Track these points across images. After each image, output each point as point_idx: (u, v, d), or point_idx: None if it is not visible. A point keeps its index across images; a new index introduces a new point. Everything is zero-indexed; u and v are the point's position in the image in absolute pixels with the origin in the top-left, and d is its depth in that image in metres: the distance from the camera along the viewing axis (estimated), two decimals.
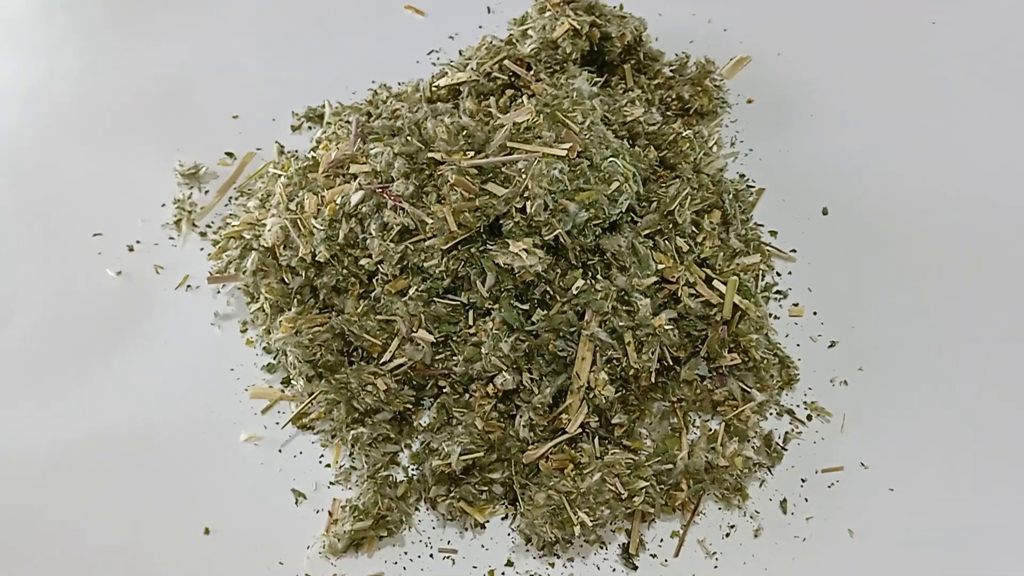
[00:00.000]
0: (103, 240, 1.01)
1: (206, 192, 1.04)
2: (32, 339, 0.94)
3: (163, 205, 1.03)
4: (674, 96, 1.10)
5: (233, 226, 0.95)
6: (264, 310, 0.92)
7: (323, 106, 1.10)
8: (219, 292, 0.97)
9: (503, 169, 0.86)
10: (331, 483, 0.86)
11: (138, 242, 1.00)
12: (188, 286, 0.98)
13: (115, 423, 0.89)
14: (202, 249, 1.00)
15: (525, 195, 0.84)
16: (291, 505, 0.85)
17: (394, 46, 1.18)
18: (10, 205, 1.03)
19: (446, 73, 1.05)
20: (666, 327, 0.85)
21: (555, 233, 0.85)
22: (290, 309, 0.91)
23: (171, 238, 1.01)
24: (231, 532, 0.83)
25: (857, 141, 1.10)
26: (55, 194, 1.04)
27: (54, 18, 1.20)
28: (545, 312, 0.86)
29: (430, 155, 0.89)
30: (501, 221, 0.86)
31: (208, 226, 1.02)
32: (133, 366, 0.92)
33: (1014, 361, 0.92)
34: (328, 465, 0.87)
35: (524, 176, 0.84)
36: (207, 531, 0.83)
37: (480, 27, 1.19)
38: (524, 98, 0.94)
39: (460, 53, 1.10)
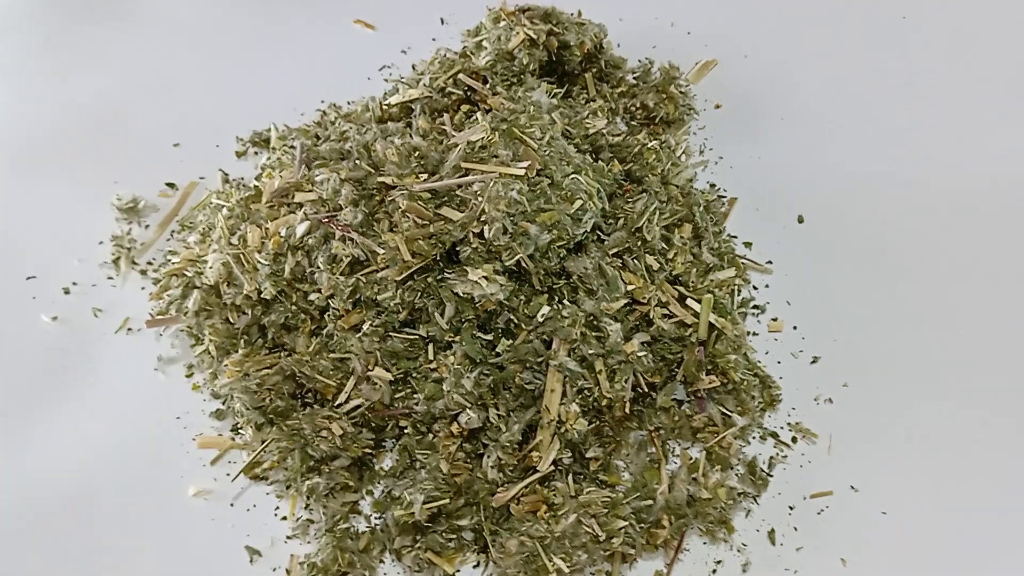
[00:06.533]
0: (37, 283, 0.94)
1: (146, 227, 0.98)
2: None
3: (101, 243, 0.96)
4: (638, 105, 1.05)
5: (173, 263, 0.89)
6: (210, 352, 0.86)
7: (269, 130, 1.04)
8: (161, 335, 0.91)
9: (458, 192, 0.81)
10: (288, 537, 0.80)
11: (75, 284, 0.94)
12: (129, 329, 0.91)
13: (53, 480, 0.82)
14: (143, 288, 0.93)
15: (482, 219, 0.79)
16: (246, 563, 0.79)
17: (344, 63, 1.12)
18: None
19: (397, 90, 1.00)
20: (639, 353, 0.80)
21: (516, 258, 0.79)
22: (237, 350, 0.84)
23: (110, 278, 0.94)
24: None
25: (831, 144, 1.05)
26: None
27: None
28: (510, 342, 0.80)
29: (380, 180, 0.83)
30: (458, 247, 0.80)
31: (149, 263, 0.95)
32: (72, 418, 0.86)
33: (1007, 368, 0.88)
34: (284, 518, 0.81)
35: (480, 199, 0.79)
36: None
37: (433, 39, 1.13)
38: (479, 114, 0.88)
39: (413, 68, 1.05)
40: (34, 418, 0.86)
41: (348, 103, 1.06)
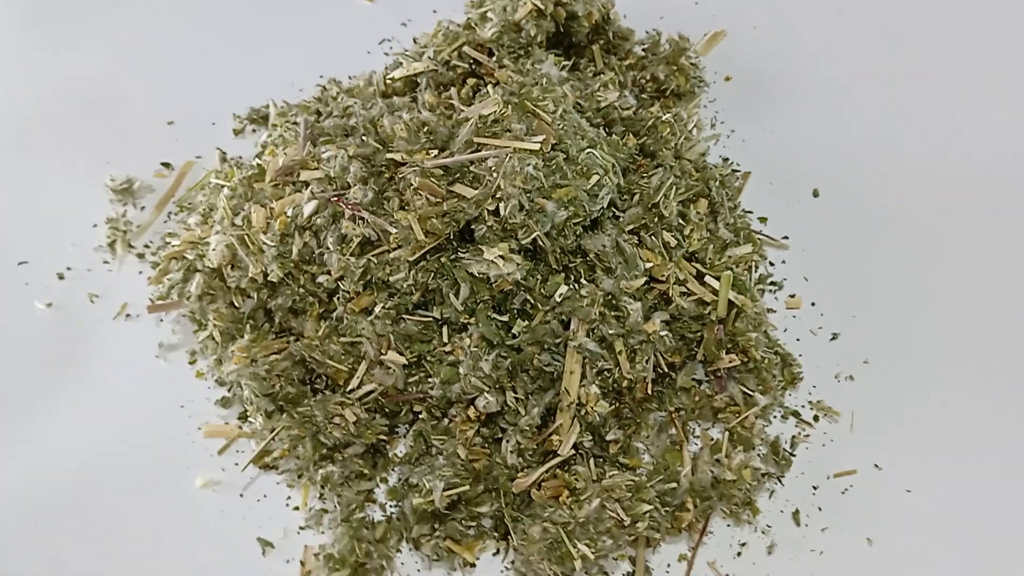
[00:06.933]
0: (29, 269, 0.90)
1: (142, 208, 0.94)
2: None
3: (95, 226, 0.93)
4: (648, 77, 1.02)
5: (173, 246, 0.86)
6: (213, 338, 0.83)
7: (267, 106, 1.00)
8: (162, 320, 0.87)
9: (471, 168, 0.78)
10: (301, 528, 0.78)
11: (69, 269, 0.90)
12: (127, 315, 0.88)
13: (51, 475, 0.79)
14: (141, 273, 0.90)
15: (497, 196, 0.76)
16: (258, 556, 0.76)
17: (342, 36, 1.08)
18: None
19: (400, 64, 0.96)
20: (660, 332, 0.78)
21: (532, 236, 0.77)
22: (242, 336, 0.81)
23: (105, 262, 0.91)
24: None
25: (844, 116, 1.02)
26: None
27: None
28: (527, 323, 0.78)
29: (389, 156, 0.80)
30: (472, 226, 0.77)
31: (146, 246, 0.92)
32: (71, 408, 0.83)
33: None
34: (296, 508, 0.79)
35: (495, 174, 0.76)
36: None
37: (434, 11, 1.09)
38: (489, 88, 0.85)
39: (415, 41, 1.01)
40: (31, 410, 0.83)
41: (349, 78, 1.02)
